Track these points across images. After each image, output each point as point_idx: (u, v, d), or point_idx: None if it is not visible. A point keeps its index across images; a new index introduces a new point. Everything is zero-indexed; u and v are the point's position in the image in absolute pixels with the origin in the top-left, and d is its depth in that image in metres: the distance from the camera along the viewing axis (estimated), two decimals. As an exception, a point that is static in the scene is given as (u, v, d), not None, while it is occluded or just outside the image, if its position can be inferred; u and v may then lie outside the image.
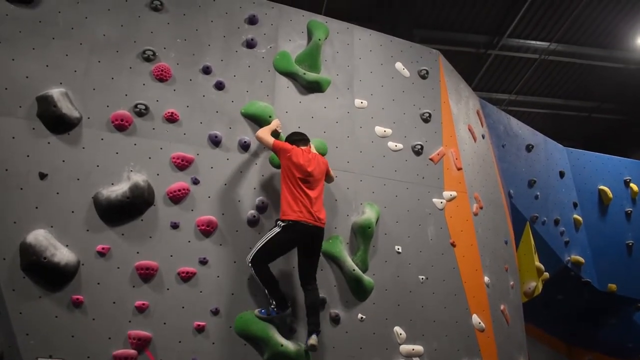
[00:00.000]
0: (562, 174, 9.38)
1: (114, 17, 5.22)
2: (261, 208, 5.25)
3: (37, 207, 4.46)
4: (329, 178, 5.35)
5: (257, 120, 5.46)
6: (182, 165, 5.06)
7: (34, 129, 4.62)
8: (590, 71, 14.85)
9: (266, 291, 4.84)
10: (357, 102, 6.12)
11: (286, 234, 4.82)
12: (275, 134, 5.30)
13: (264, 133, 5.16)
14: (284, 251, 5.02)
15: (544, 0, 12.23)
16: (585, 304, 9.74)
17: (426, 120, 6.45)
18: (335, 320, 5.24)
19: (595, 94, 15.96)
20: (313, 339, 4.78)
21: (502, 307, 6.66)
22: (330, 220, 5.40)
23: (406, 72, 6.54)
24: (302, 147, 5.13)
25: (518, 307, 7.46)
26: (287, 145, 5.06)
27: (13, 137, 4.53)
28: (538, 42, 13.52)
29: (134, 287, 4.60)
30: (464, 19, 12.73)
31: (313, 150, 5.33)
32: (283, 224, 4.81)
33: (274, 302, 4.81)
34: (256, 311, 4.87)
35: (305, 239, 4.90)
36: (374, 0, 11.94)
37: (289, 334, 4.99)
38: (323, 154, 5.55)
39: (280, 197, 5.00)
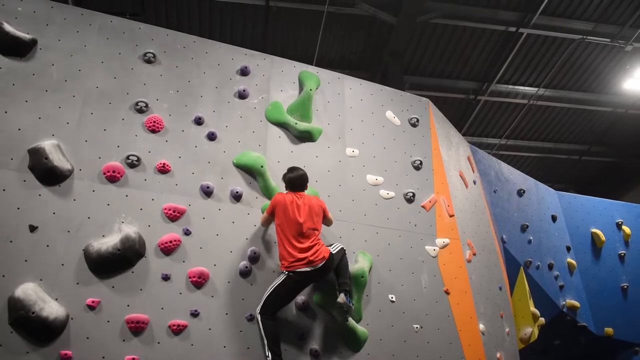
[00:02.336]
0: (554, 218, 9.40)
1: (107, 70, 5.29)
2: (253, 258, 5.22)
3: (26, 260, 4.42)
4: (327, 221, 5.38)
5: (249, 170, 5.49)
6: (174, 216, 5.05)
7: (25, 181, 4.61)
8: (579, 115, 15.09)
9: (265, 343, 4.77)
10: (349, 150, 6.16)
11: (291, 281, 4.90)
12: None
13: (261, 218, 5.32)
14: (292, 297, 5.06)
15: (531, 47, 12.51)
16: (582, 348, 9.63)
17: (417, 168, 6.49)
18: (329, 372, 5.16)
19: (585, 138, 16.18)
20: (340, 297, 5.04)
21: (498, 354, 6.57)
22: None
23: (397, 121, 6.61)
24: (296, 192, 5.19)
25: (515, 354, 7.37)
26: (273, 201, 5.14)
27: (4, 190, 4.52)
28: (527, 88, 13.77)
29: (124, 341, 4.52)
30: (453, 66, 12.97)
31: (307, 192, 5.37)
32: (287, 273, 4.88)
33: (269, 357, 4.73)
34: (248, 364, 4.79)
35: (310, 281, 5.03)
36: (365, 49, 12.15)
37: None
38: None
39: (276, 244, 5.14)
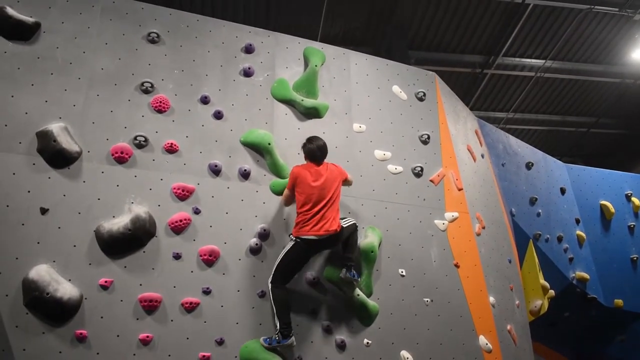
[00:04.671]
0: (563, 191, 9.37)
1: (111, 51, 5.28)
2: (263, 235, 5.25)
3: (39, 242, 4.46)
4: (347, 182, 5.45)
5: (257, 148, 5.49)
6: (183, 195, 5.07)
7: (34, 164, 4.64)
8: (587, 87, 14.94)
9: (275, 312, 4.83)
10: (356, 126, 6.14)
11: (298, 248, 4.95)
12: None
13: (283, 196, 5.35)
14: (300, 265, 5.10)
15: (538, 19, 12.35)
16: (592, 320, 9.66)
17: (425, 142, 6.47)
18: (341, 346, 5.20)
19: (593, 109, 16.03)
20: (342, 272, 5.17)
21: (508, 327, 6.60)
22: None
23: (403, 95, 6.58)
24: (315, 162, 5.23)
25: (525, 326, 7.40)
26: (292, 176, 5.15)
27: (14, 173, 4.55)
28: (533, 60, 13.61)
29: (137, 319, 4.58)
30: (459, 40, 12.84)
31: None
32: (294, 239, 4.95)
33: (278, 326, 4.78)
34: (261, 339, 4.84)
35: (316, 249, 5.09)
36: (369, 24, 12.05)
37: (295, 362, 4.96)
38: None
39: (285, 220, 5.27)
